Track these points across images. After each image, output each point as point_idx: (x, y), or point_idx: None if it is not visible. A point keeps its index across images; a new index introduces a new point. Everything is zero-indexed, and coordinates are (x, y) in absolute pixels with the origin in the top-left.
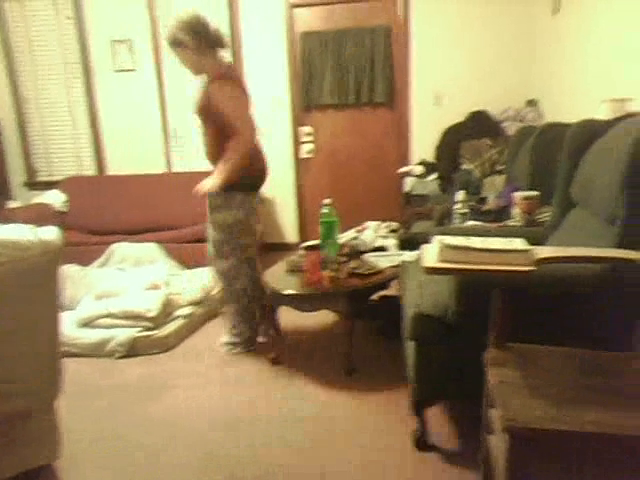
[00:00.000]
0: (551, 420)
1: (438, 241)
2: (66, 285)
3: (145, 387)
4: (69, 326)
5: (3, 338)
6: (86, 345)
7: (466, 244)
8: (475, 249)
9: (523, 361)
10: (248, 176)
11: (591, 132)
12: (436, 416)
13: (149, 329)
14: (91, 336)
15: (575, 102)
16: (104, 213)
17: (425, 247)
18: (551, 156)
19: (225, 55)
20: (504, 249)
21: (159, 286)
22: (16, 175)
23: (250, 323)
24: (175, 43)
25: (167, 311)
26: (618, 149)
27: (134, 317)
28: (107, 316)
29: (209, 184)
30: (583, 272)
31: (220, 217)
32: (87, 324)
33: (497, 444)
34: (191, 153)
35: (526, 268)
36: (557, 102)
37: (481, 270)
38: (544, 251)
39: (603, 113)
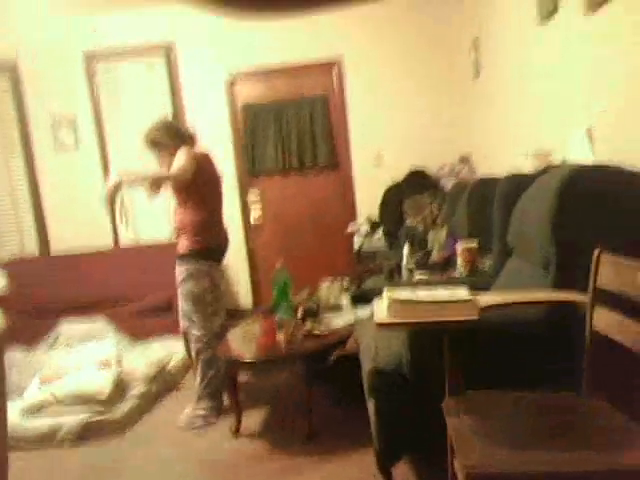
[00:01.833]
0: (509, 464)
1: (386, 296)
2: (11, 372)
3: (94, 477)
4: (16, 416)
5: None
6: (34, 436)
7: (412, 297)
8: (421, 302)
9: (479, 407)
10: (216, 246)
11: (519, 184)
12: (404, 472)
13: (101, 412)
14: (38, 426)
15: (503, 156)
16: (49, 293)
17: (376, 302)
18: (485, 208)
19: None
20: (449, 300)
21: (110, 363)
22: None
23: (215, 394)
24: (154, 144)
25: (120, 390)
26: (544, 196)
27: (84, 401)
28: (53, 403)
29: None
30: (524, 316)
31: (188, 288)
32: (33, 412)
33: None
34: (140, 225)
35: (471, 317)
36: (487, 157)
37: (429, 322)
38: (486, 299)
39: (528, 165)
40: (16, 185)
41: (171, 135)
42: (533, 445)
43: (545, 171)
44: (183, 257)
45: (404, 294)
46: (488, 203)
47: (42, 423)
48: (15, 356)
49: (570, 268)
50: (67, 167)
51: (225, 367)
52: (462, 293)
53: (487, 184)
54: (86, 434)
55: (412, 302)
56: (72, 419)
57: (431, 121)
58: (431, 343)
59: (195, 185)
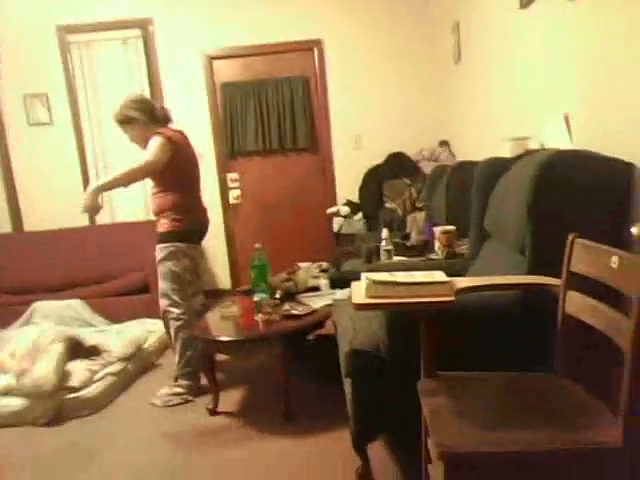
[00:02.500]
0: (482, 443)
1: (365, 278)
2: None
3: (71, 456)
4: None
5: None
6: (7, 414)
7: (391, 279)
8: (399, 283)
9: (453, 388)
10: (195, 228)
11: (497, 168)
12: (379, 452)
13: (76, 391)
14: (11, 403)
15: (482, 141)
16: (23, 271)
17: (354, 285)
18: (463, 192)
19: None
20: (426, 282)
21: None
22: None
23: (195, 373)
24: (125, 121)
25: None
26: (521, 182)
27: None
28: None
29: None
30: (499, 299)
31: (167, 268)
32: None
33: (435, 473)
34: (115, 203)
35: (447, 298)
36: (466, 142)
37: (406, 303)
38: (462, 281)
39: (507, 151)
40: None
41: (143, 111)
42: (505, 425)
43: (523, 156)
44: (162, 236)
45: (382, 275)
46: (466, 187)
47: (15, 401)
48: None
49: (545, 253)
50: (41, 143)
51: (203, 347)
52: (439, 275)
53: (466, 168)
54: (59, 413)
55: (389, 283)
56: (45, 399)
57: (411, 105)
58: (408, 325)
59: (171, 169)
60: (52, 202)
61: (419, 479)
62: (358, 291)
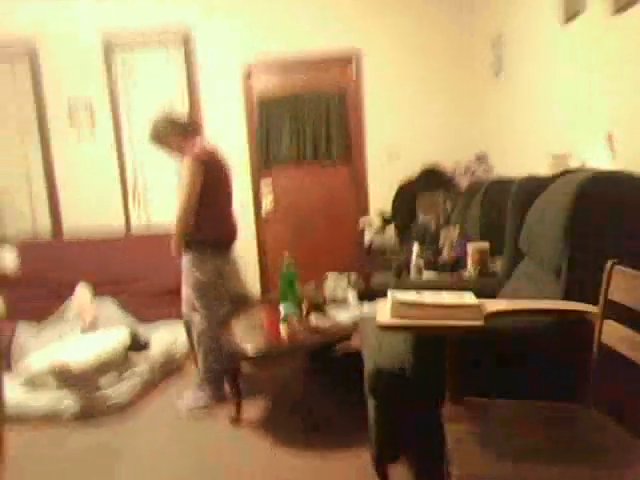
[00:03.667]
0: (506, 476)
1: (390, 297)
2: (16, 347)
3: (94, 458)
4: (16, 390)
5: None
6: (35, 409)
7: (416, 300)
8: (425, 305)
9: (479, 415)
10: (218, 239)
11: (534, 186)
12: (399, 474)
13: (102, 392)
14: (40, 402)
15: (520, 157)
16: (60, 276)
17: (380, 303)
18: (499, 209)
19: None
20: (453, 304)
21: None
22: None
23: (216, 381)
24: (158, 140)
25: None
26: (559, 202)
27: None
28: (59, 373)
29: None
30: (531, 325)
31: (192, 274)
32: (33, 383)
33: None
34: (151, 208)
35: (475, 323)
36: (504, 157)
37: (431, 327)
38: (493, 305)
39: (546, 167)
40: (31, 166)
41: (174, 129)
42: (532, 459)
43: (562, 175)
44: (190, 246)
45: (409, 296)
46: (502, 204)
47: (44, 400)
48: (23, 333)
49: (582, 277)
50: (82, 150)
51: (228, 356)
52: (468, 297)
53: (502, 185)
54: (87, 413)
55: (416, 304)
56: (74, 398)
57: (448, 118)
58: (435, 346)
59: (201, 190)
60: (90, 206)
61: None
62: (383, 310)
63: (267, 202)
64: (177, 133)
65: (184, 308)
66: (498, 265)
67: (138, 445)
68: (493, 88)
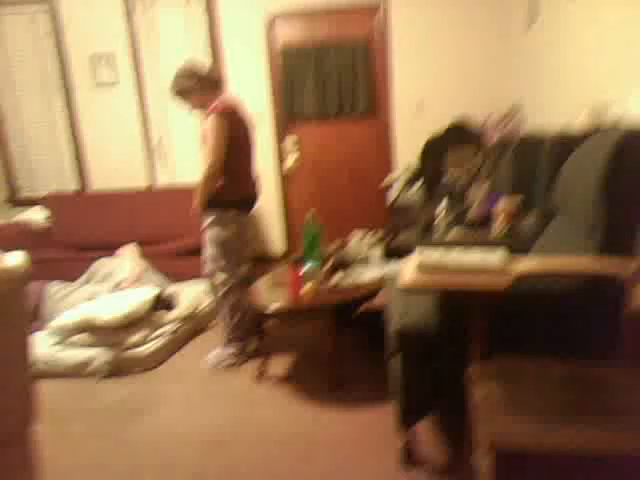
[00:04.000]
0: (535, 437)
1: (416, 256)
2: (46, 303)
3: (126, 410)
4: (48, 346)
5: None
6: (66, 365)
7: (442, 261)
8: (451, 265)
9: (506, 375)
10: (241, 198)
11: (570, 141)
12: (424, 432)
13: (131, 348)
14: (71, 356)
15: (555, 110)
16: (87, 229)
17: (404, 263)
18: (531, 165)
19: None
20: (480, 266)
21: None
22: None
23: (242, 338)
24: (181, 93)
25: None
26: (596, 157)
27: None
28: (88, 327)
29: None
30: (563, 282)
31: (214, 233)
32: (63, 340)
33: (483, 462)
34: (175, 164)
35: (501, 285)
36: (538, 110)
37: (455, 290)
38: (522, 266)
39: (584, 119)
40: (55, 122)
41: (197, 80)
42: (564, 419)
43: (599, 129)
44: (210, 203)
45: (434, 256)
46: (535, 159)
47: (74, 354)
48: (52, 289)
49: (617, 234)
50: (105, 104)
51: (252, 315)
52: (495, 259)
53: (536, 139)
54: (116, 367)
55: (441, 266)
56: (103, 350)
57: (479, 69)
58: (461, 306)
59: (228, 143)
60: (116, 160)
61: (464, 464)
62: (408, 269)
63: (291, 159)
64: (200, 87)
65: (207, 266)
66: (529, 222)
67: (167, 399)
68: (526, 37)
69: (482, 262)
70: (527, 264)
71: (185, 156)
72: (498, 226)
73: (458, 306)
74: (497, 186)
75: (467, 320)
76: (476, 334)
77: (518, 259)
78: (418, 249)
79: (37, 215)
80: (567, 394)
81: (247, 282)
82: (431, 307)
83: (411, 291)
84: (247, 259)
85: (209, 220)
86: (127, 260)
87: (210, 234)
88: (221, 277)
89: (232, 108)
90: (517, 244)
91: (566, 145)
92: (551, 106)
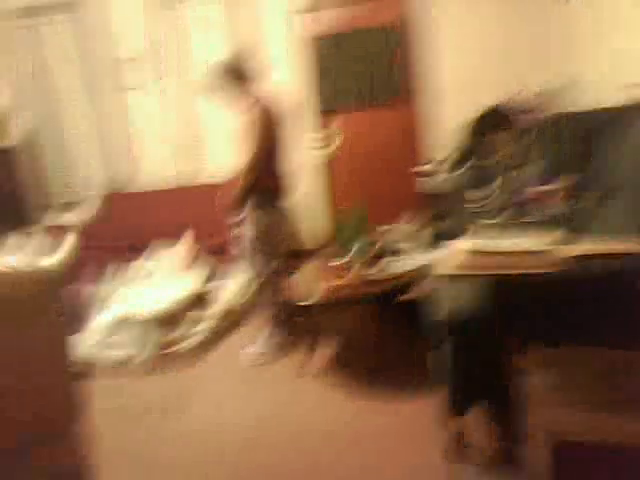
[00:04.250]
0: (592, 430)
1: (462, 245)
2: (92, 305)
3: (165, 407)
4: (88, 346)
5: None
6: (106, 364)
7: (494, 245)
8: (503, 249)
9: (561, 365)
10: (274, 191)
11: (626, 119)
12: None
13: (170, 345)
14: (111, 355)
15: (607, 87)
16: (134, 228)
17: (450, 251)
18: (581, 146)
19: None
20: (529, 250)
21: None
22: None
23: (279, 332)
24: (218, 89)
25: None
26: None
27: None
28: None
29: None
30: (615, 268)
31: (246, 229)
32: (104, 336)
33: (536, 455)
34: (209, 161)
35: (551, 269)
36: (587, 88)
37: (505, 274)
38: (576, 248)
39: (626, 97)
40: (95, 123)
41: (232, 77)
42: (621, 412)
43: None
44: (239, 199)
45: (485, 240)
46: (588, 138)
47: (113, 353)
48: (97, 290)
49: None
50: (138, 105)
51: (290, 305)
52: (544, 241)
53: (586, 118)
54: (156, 364)
55: (487, 253)
56: (143, 349)
57: (521, 45)
58: (513, 291)
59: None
60: (165, 157)
61: (511, 455)
62: (458, 255)
63: (325, 149)
64: (235, 80)
65: (241, 262)
66: (584, 203)
67: (207, 396)
68: (573, 8)
69: (536, 245)
70: (584, 246)
71: (218, 155)
72: (551, 208)
73: (508, 291)
74: (548, 168)
75: (518, 306)
76: (529, 321)
77: (574, 241)
78: (468, 234)
79: (84, 215)
80: (622, 384)
81: (283, 275)
82: (481, 292)
83: (462, 275)
84: (282, 253)
85: (240, 216)
86: (180, 246)
87: (244, 229)
88: (255, 272)
89: (268, 101)
90: (572, 226)
91: (625, 123)
92: (601, 86)
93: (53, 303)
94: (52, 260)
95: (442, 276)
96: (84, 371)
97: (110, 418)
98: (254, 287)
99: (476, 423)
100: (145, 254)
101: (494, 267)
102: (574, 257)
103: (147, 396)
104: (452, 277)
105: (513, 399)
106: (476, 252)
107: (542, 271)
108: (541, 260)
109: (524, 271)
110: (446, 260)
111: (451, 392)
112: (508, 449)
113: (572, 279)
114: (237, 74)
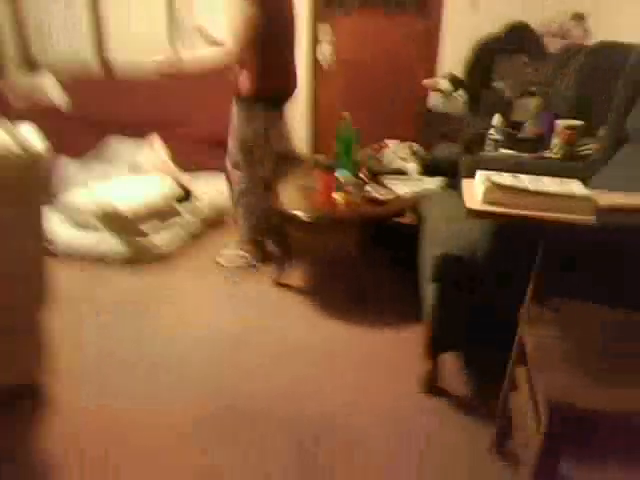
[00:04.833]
0: (598, 398)
1: (484, 178)
2: (57, 178)
3: (141, 300)
4: (61, 226)
5: None
6: (80, 249)
7: (518, 185)
8: (529, 192)
9: (564, 320)
10: (274, 93)
11: None
12: (449, 361)
13: (144, 235)
14: (86, 239)
15: (633, 18)
16: (106, 104)
17: (467, 184)
18: (602, 81)
19: None
20: (563, 194)
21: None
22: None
23: (257, 241)
24: None
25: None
26: None
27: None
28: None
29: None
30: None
31: (239, 128)
32: (78, 221)
33: (522, 403)
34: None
35: (587, 217)
36: (610, 18)
37: (533, 218)
38: (605, 198)
39: None
40: None
41: None
42: (628, 377)
43: None
44: (240, 98)
45: (507, 178)
46: (609, 75)
47: (90, 240)
48: (64, 167)
49: None
50: None
51: (271, 217)
52: (576, 187)
53: (613, 51)
54: (132, 258)
55: (517, 190)
56: (119, 241)
57: None
58: (520, 238)
59: (260, 30)
60: (134, 37)
61: (489, 398)
62: (473, 193)
63: (325, 52)
64: None
65: (227, 161)
66: (587, 148)
67: (182, 295)
68: None
69: (563, 187)
70: (612, 197)
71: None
72: (556, 147)
73: (516, 236)
74: (555, 104)
75: (525, 252)
76: (536, 272)
77: (600, 193)
78: (483, 171)
79: (50, 84)
80: (631, 348)
81: (268, 183)
82: (482, 235)
83: (474, 218)
84: (271, 159)
85: (236, 115)
86: (149, 148)
87: (235, 130)
88: (239, 176)
89: None
90: (576, 170)
91: None
92: (626, 14)
93: (38, 186)
94: (34, 136)
95: (436, 210)
96: (55, 253)
97: (80, 309)
98: (234, 189)
99: (453, 365)
100: (128, 144)
101: (520, 206)
102: (607, 208)
103: (120, 289)
104: (469, 211)
105: (498, 344)
106: (500, 187)
107: (579, 219)
108: (577, 206)
109: (559, 216)
110: (441, 187)
111: (433, 331)
112: (483, 395)
113: (609, 231)
114: None
